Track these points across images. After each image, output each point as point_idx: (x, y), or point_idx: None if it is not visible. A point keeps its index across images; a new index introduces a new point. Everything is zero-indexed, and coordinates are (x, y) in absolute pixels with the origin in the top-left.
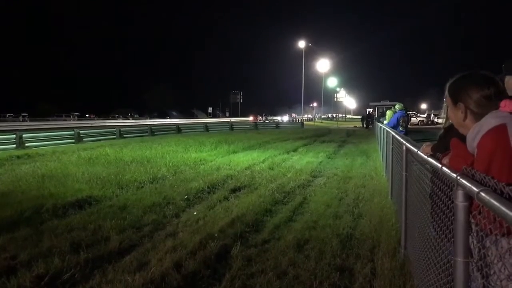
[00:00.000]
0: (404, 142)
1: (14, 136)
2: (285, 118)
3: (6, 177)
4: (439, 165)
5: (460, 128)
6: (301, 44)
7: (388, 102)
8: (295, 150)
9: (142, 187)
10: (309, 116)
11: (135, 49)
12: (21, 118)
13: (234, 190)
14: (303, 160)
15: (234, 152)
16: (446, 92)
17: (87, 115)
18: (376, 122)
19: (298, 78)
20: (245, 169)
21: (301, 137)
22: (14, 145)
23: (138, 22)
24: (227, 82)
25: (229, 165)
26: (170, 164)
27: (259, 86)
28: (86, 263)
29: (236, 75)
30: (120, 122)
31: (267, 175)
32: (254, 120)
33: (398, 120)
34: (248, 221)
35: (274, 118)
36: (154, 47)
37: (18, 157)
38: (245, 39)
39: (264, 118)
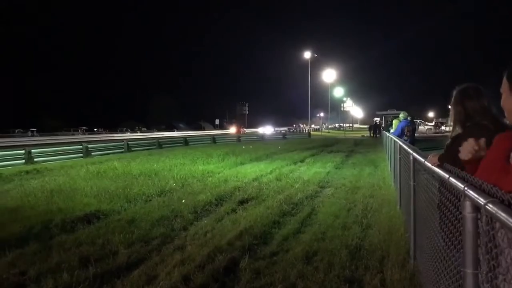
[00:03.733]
0: (411, 152)
1: (23, 151)
2: (268, 130)
3: (16, 192)
4: (446, 176)
5: None
6: (307, 54)
7: (395, 111)
8: (302, 161)
9: (150, 200)
10: (314, 126)
11: (141, 62)
12: (29, 133)
13: (242, 202)
14: (310, 171)
15: (242, 163)
16: (505, 79)
17: (95, 129)
18: (384, 132)
19: (305, 88)
20: (253, 181)
21: (308, 147)
22: (23, 161)
23: (144, 35)
24: (233, 94)
25: (237, 177)
26: (178, 177)
27: (265, 97)
28: (95, 278)
29: (242, 86)
30: (128, 135)
31: (275, 186)
32: (237, 132)
33: (402, 129)
34: (256, 233)
35: (254, 130)
36: (160, 60)
37: (27, 172)
38: (251, 49)
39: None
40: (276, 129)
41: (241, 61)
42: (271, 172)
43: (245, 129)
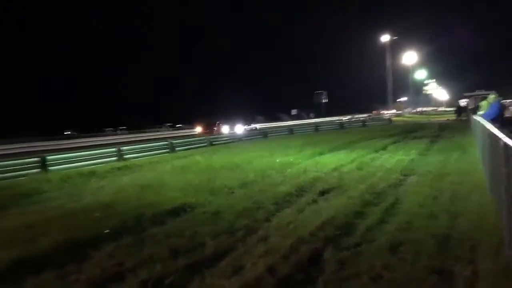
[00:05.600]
0: (502, 136)
1: (115, 149)
2: (239, 127)
3: (109, 188)
4: None
5: None
6: (385, 38)
7: (483, 92)
8: (384, 149)
9: (233, 192)
10: (396, 111)
11: (218, 60)
12: (119, 132)
13: (323, 193)
14: (393, 159)
15: (320, 153)
16: None
17: (177, 125)
18: (471, 114)
19: (384, 72)
20: (333, 171)
21: (389, 134)
22: (115, 158)
23: (221, 34)
24: (309, 82)
25: (316, 167)
26: (258, 169)
27: (343, 84)
28: (185, 268)
29: (318, 74)
30: None
31: (356, 176)
32: (204, 132)
33: (500, 111)
34: (338, 224)
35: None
36: (237, 56)
37: (118, 168)
38: (325, 35)
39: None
40: (253, 125)
41: (315, 48)
42: (351, 162)
43: (216, 127)
